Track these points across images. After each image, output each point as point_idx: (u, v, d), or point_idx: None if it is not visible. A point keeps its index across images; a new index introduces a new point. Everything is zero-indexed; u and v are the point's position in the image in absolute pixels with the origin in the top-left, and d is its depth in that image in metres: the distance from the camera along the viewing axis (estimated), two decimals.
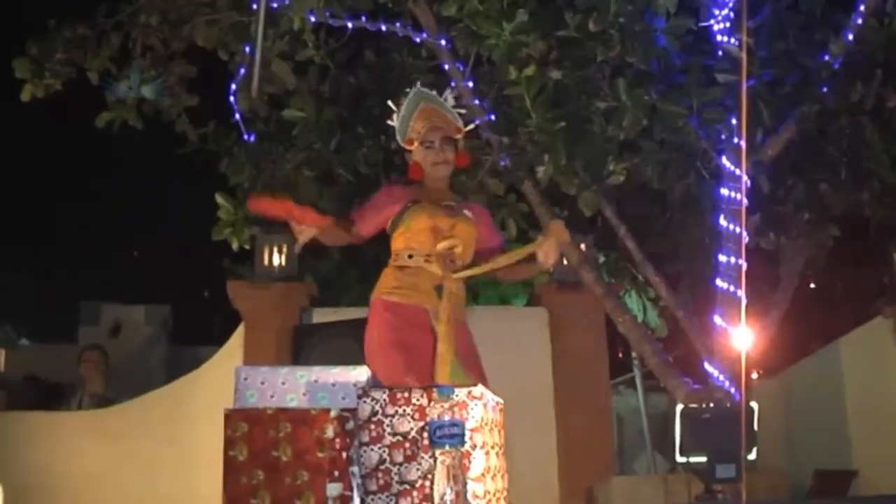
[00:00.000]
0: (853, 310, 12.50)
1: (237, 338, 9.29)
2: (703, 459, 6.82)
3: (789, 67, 7.97)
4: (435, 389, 3.42)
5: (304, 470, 3.63)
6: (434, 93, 5.25)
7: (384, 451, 3.55)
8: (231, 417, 3.75)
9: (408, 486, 3.51)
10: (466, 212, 5.00)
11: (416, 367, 4.32)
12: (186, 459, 8.90)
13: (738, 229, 7.92)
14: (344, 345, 7.27)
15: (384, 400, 3.58)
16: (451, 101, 5.22)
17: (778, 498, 8.38)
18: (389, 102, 5.21)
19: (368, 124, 8.81)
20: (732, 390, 7.81)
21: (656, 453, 11.53)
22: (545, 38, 7.87)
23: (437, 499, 3.11)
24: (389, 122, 5.15)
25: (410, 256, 4.81)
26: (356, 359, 5.82)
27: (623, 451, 11.86)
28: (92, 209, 18.25)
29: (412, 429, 3.55)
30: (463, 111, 5.34)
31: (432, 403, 3.37)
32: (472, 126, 5.42)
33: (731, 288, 7.92)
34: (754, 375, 10.16)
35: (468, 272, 4.80)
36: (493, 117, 8.28)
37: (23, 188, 17.52)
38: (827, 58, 8.05)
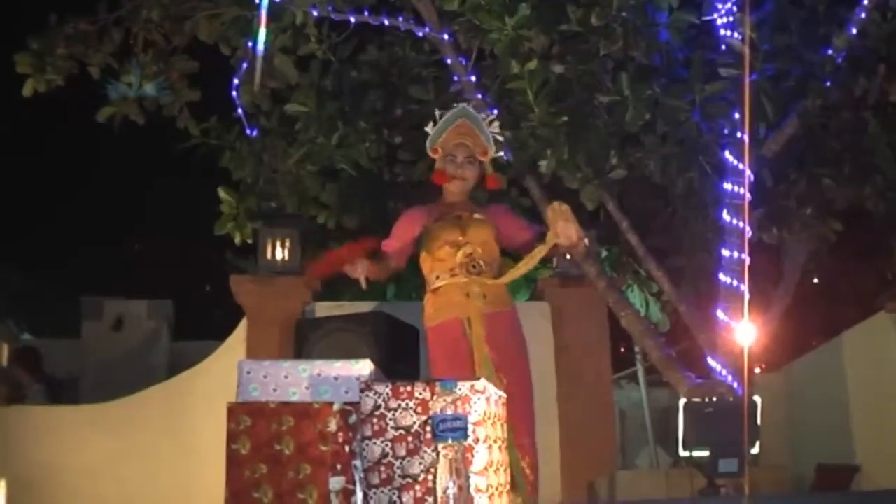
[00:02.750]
0: (856, 304, 12.49)
1: (240, 332, 9.29)
2: (706, 454, 6.83)
3: (792, 62, 7.97)
4: (437, 383, 3.42)
5: (306, 463, 3.62)
6: (476, 113, 5.40)
7: (387, 445, 3.56)
8: (234, 411, 3.75)
9: (410, 480, 3.52)
10: (478, 215, 5.15)
11: (462, 376, 4.60)
12: (188, 453, 8.90)
13: (740, 224, 7.92)
14: (346, 339, 7.28)
15: (387, 394, 3.58)
16: (494, 126, 5.37)
17: (780, 492, 8.37)
18: (437, 111, 5.39)
19: (371, 119, 8.81)
20: (735, 385, 7.81)
21: (658, 448, 11.54)
22: (547, 33, 7.86)
23: (439, 493, 3.10)
24: (426, 129, 5.32)
25: (437, 277, 5.20)
26: (358, 353, 5.82)
27: (625, 445, 11.87)
28: (94, 203, 18.24)
29: (415, 423, 3.55)
30: (500, 138, 5.44)
31: (435, 397, 3.37)
32: (500, 153, 5.53)
33: (734, 282, 7.92)
34: (757, 370, 10.14)
35: (503, 280, 5.03)
36: (495, 111, 8.26)
37: (24, 182, 17.51)
38: (830, 52, 8.05)
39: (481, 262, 5.07)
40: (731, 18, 7.97)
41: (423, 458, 3.52)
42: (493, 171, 5.53)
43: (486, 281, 5.11)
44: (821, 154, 8.47)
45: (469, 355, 5.01)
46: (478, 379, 4.56)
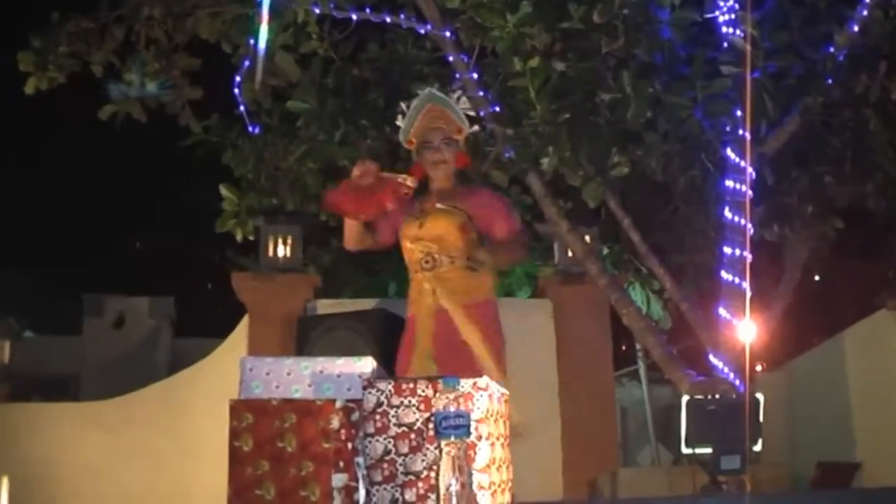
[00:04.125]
0: (857, 302, 12.50)
1: (241, 329, 9.30)
2: (709, 451, 6.82)
3: (794, 59, 7.96)
4: (440, 380, 3.41)
5: (309, 461, 3.62)
6: (443, 95, 5.33)
7: (389, 442, 3.55)
8: (236, 408, 3.74)
9: (413, 477, 3.51)
10: (440, 205, 5.10)
11: (405, 365, 4.98)
12: (190, 451, 8.91)
13: (742, 221, 7.92)
14: (348, 336, 7.32)
15: (389, 391, 3.58)
16: (463, 103, 5.30)
17: (781, 490, 8.38)
18: (402, 104, 5.31)
19: (372, 116, 8.81)
20: (736, 382, 7.81)
21: (660, 445, 11.56)
22: (549, 30, 7.86)
23: (442, 490, 3.10)
24: (397, 122, 5.26)
25: (408, 272, 5.20)
26: (360, 350, 5.84)
27: (627, 442, 11.90)
28: (95, 201, 18.26)
29: (417, 420, 3.54)
30: (472, 112, 5.38)
31: (438, 394, 3.36)
32: (474, 128, 5.44)
33: (736, 280, 7.92)
34: (758, 368, 10.16)
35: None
36: (497, 109, 8.28)
37: (26, 181, 17.53)
38: (831, 49, 8.05)
39: (435, 257, 5.02)
40: (732, 16, 7.97)
41: (425, 455, 3.51)
42: (464, 149, 5.40)
43: (445, 275, 5.05)
44: (822, 152, 8.48)
45: (411, 350, 5.05)
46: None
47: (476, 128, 5.56)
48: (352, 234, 5.22)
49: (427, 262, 5.03)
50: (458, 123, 5.23)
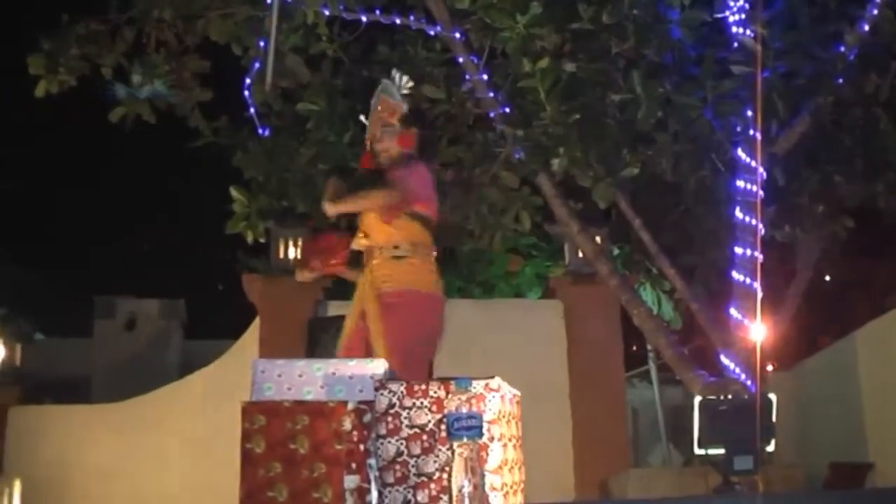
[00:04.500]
0: (868, 302, 12.48)
1: (252, 331, 9.31)
2: (721, 451, 6.81)
3: (804, 59, 7.95)
4: (453, 382, 3.42)
5: (321, 462, 3.62)
6: (387, 80, 5.30)
7: (401, 444, 3.56)
8: (248, 410, 3.75)
9: (425, 479, 3.52)
10: None
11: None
12: (201, 453, 8.92)
13: (753, 221, 7.91)
14: None
15: (401, 392, 3.58)
16: (404, 81, 5.25)
17: (794, 490, 8.36)
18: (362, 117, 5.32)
19: None
20: (748, 382, 7.80)
21: (671, 446, 11.54)
22: (559, 31, 7.86)
23: (454, 491, 3.10)
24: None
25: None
26: None
27: (638, 443, 11.88)
28: (106, 203, 18.29)
29: (429, 421, 3.55)
30: (406, 90, 5.30)
31: (450, 396, 3.37)
32: (405, 109, 5.26)
33: (747, 280, 7.91)
34: (769, 368, 10.14)
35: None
36: (507, 110, 8.27)
37: (36, 183, 17.56)
38: (842, 49, 8.05)
39: (376, 247, 5.02)
40: (742, 16, 7.97)
41: (437, 456, 3.52)
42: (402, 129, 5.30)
43: (374, 265, 5.04)
44: (833, 151, 8.47)
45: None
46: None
47: (408, 109, 5.40)
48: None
49: (361, 252, 5.13)
50: (393, 105, 5.18)
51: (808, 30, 7.97)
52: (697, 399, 7.26)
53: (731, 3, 7.97)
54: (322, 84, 8.79)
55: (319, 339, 7.78)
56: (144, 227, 18.57)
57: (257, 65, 8.61)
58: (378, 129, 5.16)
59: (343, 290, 10.18)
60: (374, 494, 3.58)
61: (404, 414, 3.58)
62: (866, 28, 8.03)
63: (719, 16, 8.04)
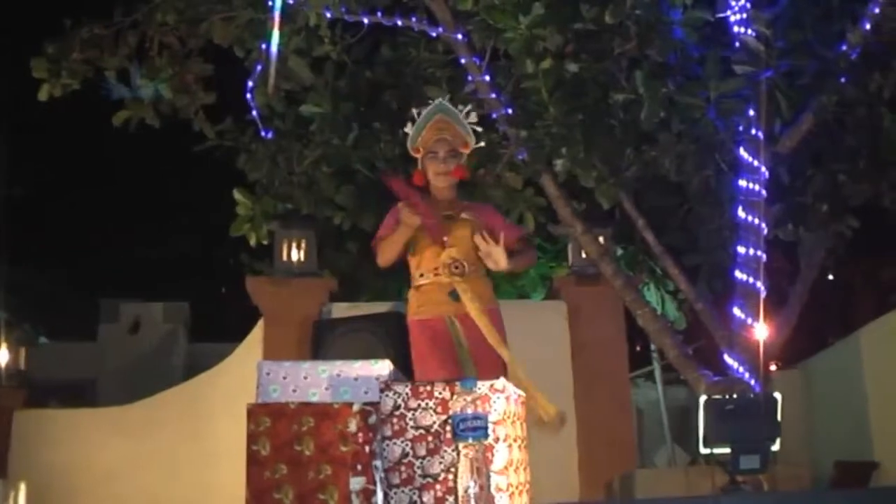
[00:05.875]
0: (873, 300, 12.47)
1: (257, 333, 9.31)
2: (727, 451, 6.80)
3: (807, 58, 7.95)
4: (457, 383, 3.42)
5: (327, 464, 3.62)
6: (453, 108, 5.43)
7: (407, 445, 3.56)
8: (254, 412, 3.75)
9: (431, 480, 3.52)
10: (465, 214, 5.19)
11: (447, 367, 4.96)
12: (207, 455, 8.92)
13: (757, 221, 7.91)
14: (363, 339, 7.31)
15: (407, 394, 3.58)
16: (471, 118, 5.39)
17: (800, 489, 8.35)
18: (413, 110, 5.38)
19: (385, 119, 8.82)
20: (752, 382, 7.80)
21: (676, 446, 11.53)
22: (562, 31, 7.86)
23: (460, 492, 3.11)
24: (405, 130, 5.35)
25: (422, 275, 5.25)
26: (376, 353, 5.83)
27: (643, 443, 11.85)
28: (110, 207, 18.30)
29: (435, 422, 3.55)
30: (479, 128, 5.44)
31: (455, 397, 3.37)
32: (480, 144, 5.52)
33: (751, 280, 7.91)
34: (773, 367, 10.13)
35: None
36: (510, 111, 8.28)
37: (40, 186, 17.58)
38: (845, 48, 8.04)
39: (464, 264, 5.11)
40: (745, 15, 7.96)
41: (443, 457, 3.52)
42: (465, 163, 5.50)
43: (469, 281, 5.14)
44: (836, 150, 8.46)
45: (452, 350, 5.08)
46: (460, 373, 4.81)
47: (482, 144, 5.65)
48: (395, 251, 5.26)
49: (457, 267, 5.10)
50: (464, 137, 5.35)
51: (811, 28, 7.97)
52: (702, 398, 7.25)
53: (734, 3, 7.97)
54: (325, 86, 8.81)
55: (325, 340, 7.81)
56: (148, 231, 18.60)
57: (260, 67, 8.63)
58: (443, 151, 5.30)
59: (347, 292, 10.22)
60: (380, 496, 3.59)
61: (409, 415, 3.59)
62: (868, 26, 8.03)
63: (722, 15, 8.03)
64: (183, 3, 8.89)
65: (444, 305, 5.14)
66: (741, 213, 8.01)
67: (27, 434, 9.15)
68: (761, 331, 7.83)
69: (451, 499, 3.45)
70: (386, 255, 5.26)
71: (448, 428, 3.44)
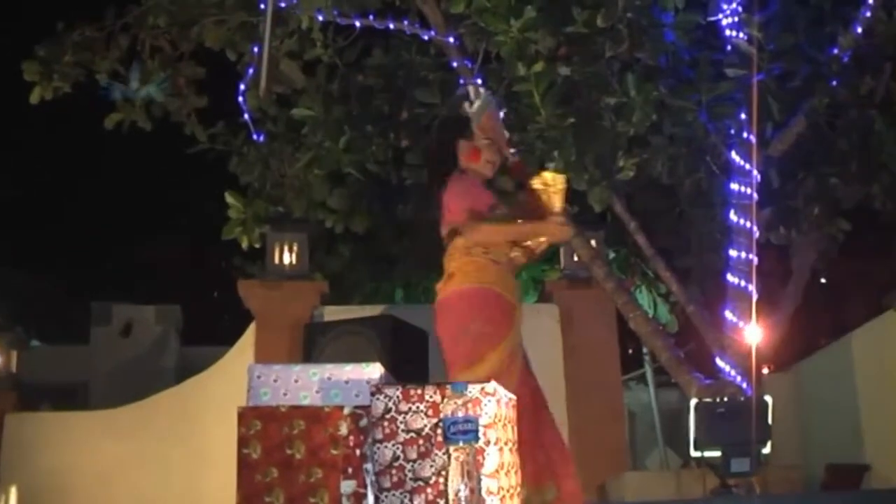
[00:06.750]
0: (864, 303, 12.47)
1: (248, 336, 9.30)
2: (718, 454, 6.82)
3: (798, 61, 7.97)
4: (448, 386, 3.42)
5: (317, 467, 3.62)
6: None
7: (398, 448, 3.55)
8: (245, 415, 3.75)
9: (422, 483, 3.51)
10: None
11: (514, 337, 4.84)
12: (199, 458, 8.91)
13: (748, 224, 7.92)
14: (355, 342, 7.31)
15: (397, 397, 3.58)
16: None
17: (791, 491, 8.37)
18: (470, 87, 5.33)
19: (377, 122, 8.82)
20: (744, 385, 7.81)
21: (668, 449, 11.54)
22: (553, 35, 7.87)
23: (451, 495, 3.10)
24: (468, 103, 5.16)
25: (492, 254, 4.91)
26: (367, 356, 5.82)
27: (635, 446, 11.86)
28: (102, 209, 18.29)
29: (426, 425, 3.55)
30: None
31: (445, 400, 3.37)
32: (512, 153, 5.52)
33: (742, 283, 7.93)
34: (765, 370, 10.14)
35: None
36: (502, 114, 8.27)
37: (31, 189, 17.56)
38: (836, 51, 8.07)
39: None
40: (736, 18, 7.99)
41: (434, 460, 3.51)
42: None
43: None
44: (828, 153, 8.48)
45: (512, 327, 4.86)
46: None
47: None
48: (503, 243, 4.99)
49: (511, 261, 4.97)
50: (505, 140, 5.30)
51: (803, 32, 7.98)
52: (693, 402, 7.28)
53: (725, 6, 7.98)
54: (317, 89, 8.80)
55: (317, 343, 7.80)
56: (140, 234, 18.58)
57: (252, 70, 8.62)
58: (502, 144, 5.21)
59: (339, 295, 10.21)
60: (371, 499, 3.58)
61: (400, 418, 3.58)
62: (860, 30, 8.05)
63: (713, 19, 8.05)
64: (175, 6, 8.87)
65: (515, 294, 4.94)
66: (733, 216, 8.03)
67: (19, 437, 9.13)
68: (753, 334, 7.85)
69: (441, 502, 3.45)
70: (492, 240, 4.91)
71: (439, 431, 3.44)
